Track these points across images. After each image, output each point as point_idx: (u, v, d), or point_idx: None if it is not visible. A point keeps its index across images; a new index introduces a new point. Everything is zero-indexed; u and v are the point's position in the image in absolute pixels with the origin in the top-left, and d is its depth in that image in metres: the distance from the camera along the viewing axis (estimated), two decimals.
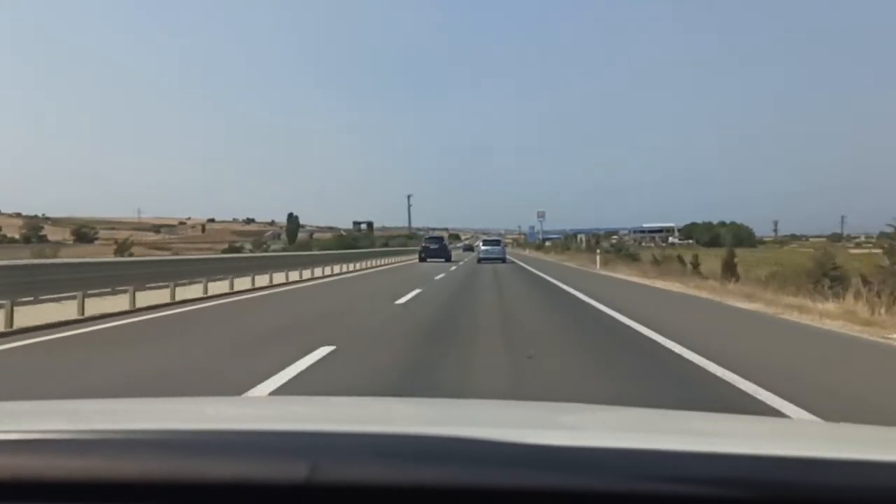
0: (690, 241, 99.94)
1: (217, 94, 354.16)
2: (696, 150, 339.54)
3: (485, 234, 79.78)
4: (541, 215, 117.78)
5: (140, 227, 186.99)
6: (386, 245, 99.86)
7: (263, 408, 1.81)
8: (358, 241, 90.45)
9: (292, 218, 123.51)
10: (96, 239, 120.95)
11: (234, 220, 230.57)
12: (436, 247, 43.43)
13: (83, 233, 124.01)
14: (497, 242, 42.36)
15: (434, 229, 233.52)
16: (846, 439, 1.36)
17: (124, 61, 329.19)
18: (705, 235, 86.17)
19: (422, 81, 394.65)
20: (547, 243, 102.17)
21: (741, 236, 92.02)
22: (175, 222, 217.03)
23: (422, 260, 41.47)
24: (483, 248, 40.85)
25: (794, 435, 1.55)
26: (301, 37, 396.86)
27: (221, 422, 1.43)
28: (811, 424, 2.67)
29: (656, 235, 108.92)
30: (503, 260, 38.71)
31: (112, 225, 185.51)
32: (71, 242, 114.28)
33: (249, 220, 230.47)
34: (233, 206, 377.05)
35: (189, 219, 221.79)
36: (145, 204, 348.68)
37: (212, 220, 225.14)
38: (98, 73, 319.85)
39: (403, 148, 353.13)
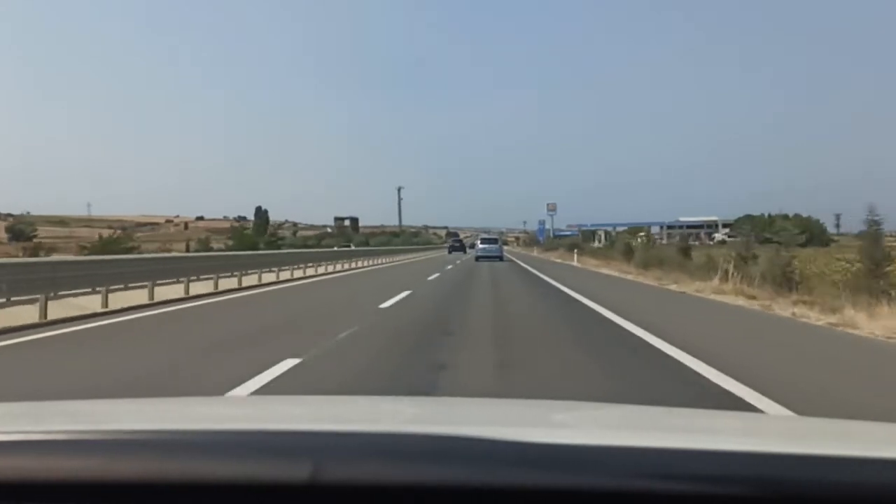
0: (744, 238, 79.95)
1: (215, 93, 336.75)
2: (736, 134, 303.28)
3: (485, 232, 75.62)
4: (551, 208, 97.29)
5: (110, 225, 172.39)
6: (366, 244, 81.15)
7: (266, 408, 1.74)
8: (277, 240, 71.95)
9: (260, 212, 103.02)
10: (34, 237, 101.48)
11: (225, 218, 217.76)
12: (458, 244, 68.42)
13: (18, 230, 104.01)
14: (494, 241, 43.46)
15: (431, 227, 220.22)
16: (841, 436, 1.34)
17: (120, 61, 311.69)
18: (766, 231, 65.60)
19: (420, 77, 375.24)
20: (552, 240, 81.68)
21: (812, 232, 72.08)
22: (162, 220, 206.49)
23: (449, 252, 60.57)
24: (481, 246, 41.90)
25: (792, 432, 1.49)
26: (297, 34, 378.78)
27: (224, 422, 1.38)
28: (808, 421, 2.34)
29: (701, 231, 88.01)
30: (500, 258, 39.59)
31: (87, 223, 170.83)
32: (5, 241, 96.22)
33: (241, 218, 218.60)
34: (229, 205, 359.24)
35: (177, 216, 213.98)
36: (144, 203, 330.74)
37: (200, 218, 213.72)
38: (95, 72, 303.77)
39: (402, 145, 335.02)
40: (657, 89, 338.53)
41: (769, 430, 1.54)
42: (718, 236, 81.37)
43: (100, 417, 1.39)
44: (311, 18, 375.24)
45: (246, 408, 1.77)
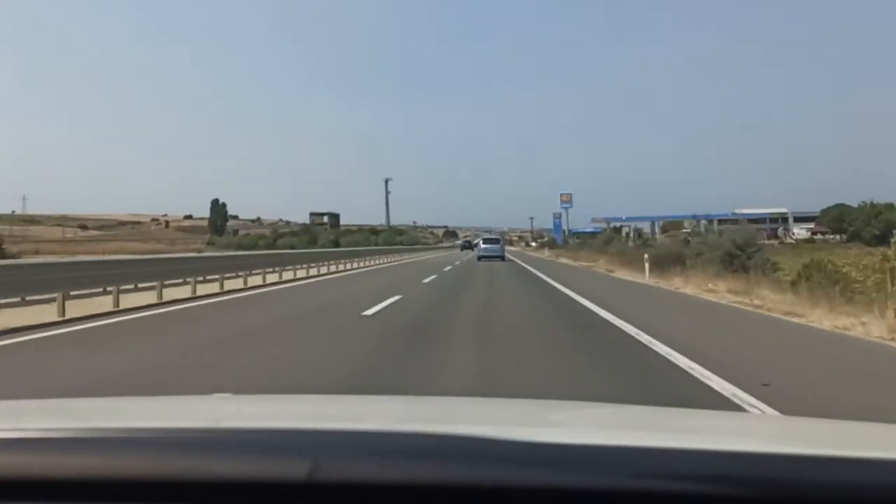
0: (834, 234, 58.74)
1: (212, 93, 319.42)
2: (795, 118, 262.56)
3: (486, 231, 74.09)
4: (566, 199, 77.31)
5: (83, 224, 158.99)
6: (336, 244, 62.37)
7: (264, 406, 1.71)
8: None
9: (217, 207, 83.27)
10: None
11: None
12: (468, 244, 75.80)
13: None
14: (496, 241, 42.50)
15: (430, 227, 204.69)
16: (836, 436, 1.31)
17: (113, 58, 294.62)
18: (871, 227, 45.46)
19: (419, 74, 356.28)
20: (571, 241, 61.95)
21: None
22: (148, 219, 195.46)
23: (461, 250, 71.32)
24: (483, 246, 41.33)
25: (788, 432, 1.44)
26: (294, 33, 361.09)
27: (222, 420, 1.33)
28: (804, 421, 2.22)
29: (779, 227, 66.96)
30: (502, 258, 38.37)
31: (73, 221, 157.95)
32: None
33: (233, 217, 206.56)
34: (238, 206, 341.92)
35: (165, 215, 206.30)
36: (139, 202, 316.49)
37: (189, 217, 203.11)
38: (98, 74, 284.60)
39: (400, 143, 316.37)
40: (670, 73, 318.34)
41: (765, 430, 1.50)
42: (800, 232, 60.90)
43: (98, 415, 1.37)
44: (308, 17, 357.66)
45: (244, 406, 1.72)
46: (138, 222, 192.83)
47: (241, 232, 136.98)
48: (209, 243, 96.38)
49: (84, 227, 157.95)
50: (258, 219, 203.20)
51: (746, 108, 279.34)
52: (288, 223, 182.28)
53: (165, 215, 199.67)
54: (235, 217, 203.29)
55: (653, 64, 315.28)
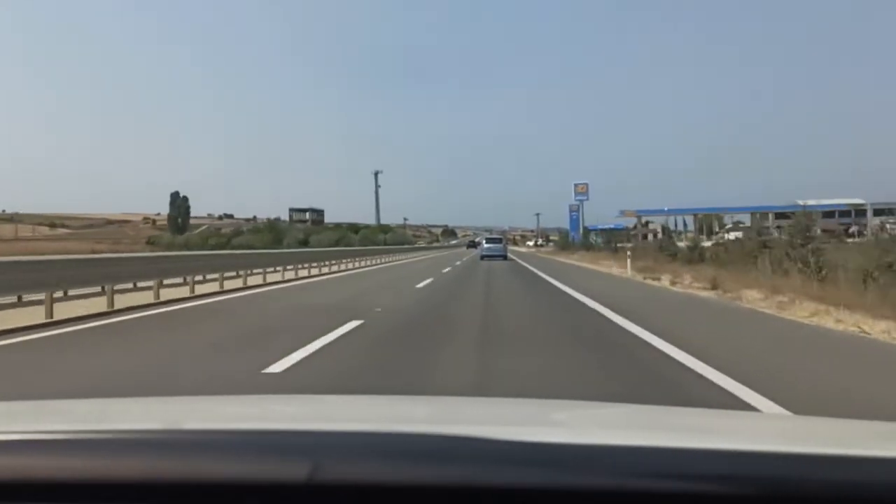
0: None
1: (214, 93, 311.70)
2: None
3: (487, 230, 69.29)
4: (581, 191, 64.32)
5: (52, 221, 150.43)
6: (305, 243, 49.59)
7: (264, 407, 1.68)
8: None
9: (177, 201, 70.60)
10: None
11: (209, 216, 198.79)
12: (473, 244, 76.64)
13: None
14: (499, 241, 42.61)
15: (426, 226, 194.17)
16: (840, 435, 1.29)
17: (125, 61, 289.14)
18: None
19: (419, 69, 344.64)
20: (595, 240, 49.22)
21: None
22: (140, 217, 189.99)
23: (467, 248, 76.62)
24: (486, 245, 41.38)
25: (791, 431, 1.40)
26: (293, 34, 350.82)
27: (222, 421, 1.31)
28: (807, 420, 2.20)
29: (852, 223, 52.86)
30: (504, 257, 38.44)
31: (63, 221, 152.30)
32: None
33: (227, 216, 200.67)
34: (227, 203, 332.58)
35: (158, 214, 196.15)
36: (146, 202, 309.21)
37: None
38: (99, 75, 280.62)
39: (400, 142, 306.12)
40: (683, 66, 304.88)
41: (768, 429, 1.46)
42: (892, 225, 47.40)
43: (98, 417, 1.33)
44: (302, 17, 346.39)
45: (245, 407, 1.68)
46: (128, 221, 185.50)
47: (227, 230, 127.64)
48: (149, 243, 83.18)
49: (53, 226, 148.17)
50: (254, 217, 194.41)
51: (800, 84, 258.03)
52: (284, 221, 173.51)
53: (158, 214, 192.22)
54: (230, 216, 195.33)
55: (670, 43, 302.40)
